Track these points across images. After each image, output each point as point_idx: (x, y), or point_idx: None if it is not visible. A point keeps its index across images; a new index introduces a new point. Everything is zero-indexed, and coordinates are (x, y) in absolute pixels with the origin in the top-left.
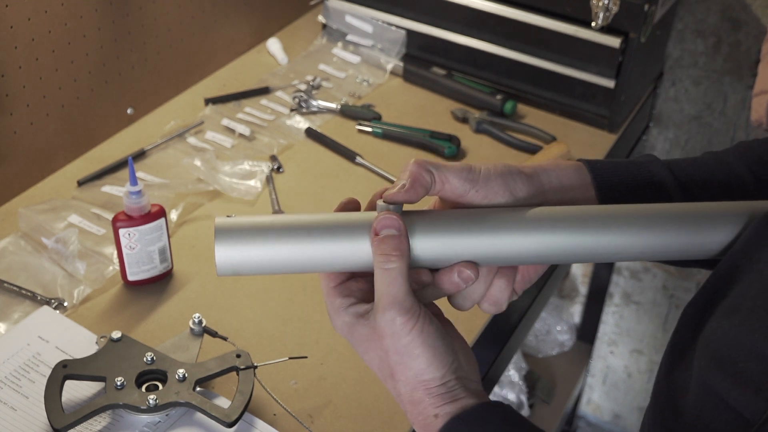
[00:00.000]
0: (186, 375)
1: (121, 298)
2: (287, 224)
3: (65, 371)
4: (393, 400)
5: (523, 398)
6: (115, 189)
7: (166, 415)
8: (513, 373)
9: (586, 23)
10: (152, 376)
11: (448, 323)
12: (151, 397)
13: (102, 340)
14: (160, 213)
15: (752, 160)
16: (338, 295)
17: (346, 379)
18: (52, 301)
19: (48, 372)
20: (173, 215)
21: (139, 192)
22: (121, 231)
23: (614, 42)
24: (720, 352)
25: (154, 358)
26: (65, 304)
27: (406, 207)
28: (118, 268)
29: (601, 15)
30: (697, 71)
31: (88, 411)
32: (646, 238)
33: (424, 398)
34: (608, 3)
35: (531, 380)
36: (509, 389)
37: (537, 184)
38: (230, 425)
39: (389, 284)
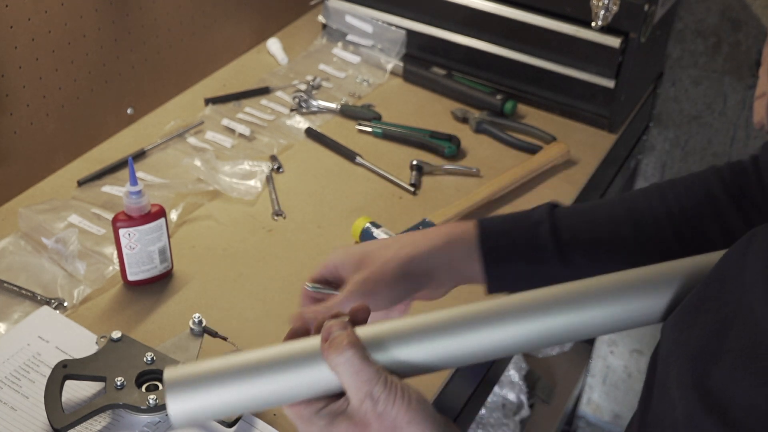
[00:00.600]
0: None
1: (121, 298)
2: (239, 366)
3: (65, 371)
4: None
5: (523, 398)
6: (115, 189)
7: (166, 415)
8: (513, 373)
9: (586, 23)
10: (152, 376)
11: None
12: (151, 397)
13: (102, 340)
14: (160, 213)
15: (669, 199)
16: (303, 407)
17: None
18: (52, 301)
19: (48, 372)
20: (173, 215)
21: (139, 192)
22: (121, 231)
23: (614, 42)
24: (710, 397)
25: (154, 358)
26: (65, 304)
27: None
28: (118, 268)
29: (601, 15)
30: (697, 71)
31: (88, 411)
32: (583, 317)
33: None
34: (608, 3)
35: (531, 380)
36: (509, 389)
37: (414, 283)
38: (231, 425)
39: (355, 373)
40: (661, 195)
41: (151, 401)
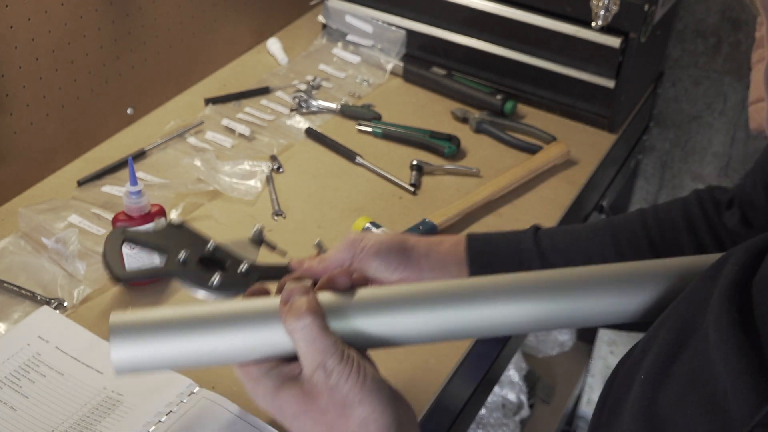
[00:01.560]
0: (249, 270)
1: (121, 298)
2: (191, 318)
3: (125, 234)
4: None
5: (523, 398)
6: (115, 189)
7: (224, 296)
8: (513, 373)
9: (586, 23)
10: (214, 264)
11: (393, 390)
12: (216, 277)
13: (160, 222)
14: (160, 213)
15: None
16: (254, 366)
17: None
18: (52, 301)
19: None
20: (173, 215)
21: (139, 192)
22: None
23: (614, 42)
24: (655, 421)
25: (216, 248)
26: (65, 304)
27: None
28: None
29: (601, 15)
30: (697, 71)
31: (151, 272)
32: (568, 304)
33: None
34: (608, 3)
35: (531, 380)
36: (509, 389)
37: (414, 264)
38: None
39: (311, 341)
40: (641, 212)
41: (215, 281)
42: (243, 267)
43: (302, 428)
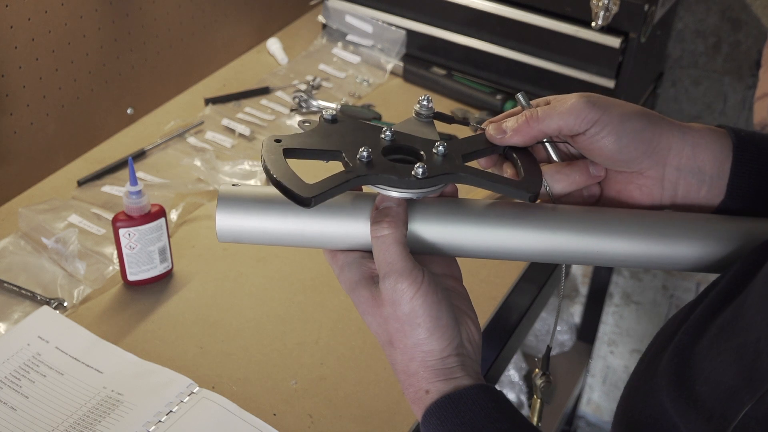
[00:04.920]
0: (447, 150)
1: (121, 298)
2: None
3: (282, 145)
4: (393, 400)
5: (523, 398)
6: (115, 189)
7: (436, 189)
8: (513, 373)
9: (586, 23)
10: (400, 155)
11: (463, 296)
12: (420, 168)
13: (307, 125)
14: (160, 213)
15: None
16: (340, 253)
17: (346, 379)
18: (52, 301)
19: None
20: (173, 215)
21: (139, 192)
22: (121, 231)
23: (614, 42)
24: (681, 371)
25: (396, 134)
26: (65, 304)
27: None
28: (118, 268)
29: (601, 15)
30: (697, 71)
31: (337, 182)
32: (635, 245)
33: (419, 370)
34: (608, 3)
35: (531, 380)
36: (509, 389)
37: (661, 155)
38: (535, 198)
39: (384, 251)
40: None
41: (420, 171)
42: (438, 148)
43: (370, 325)
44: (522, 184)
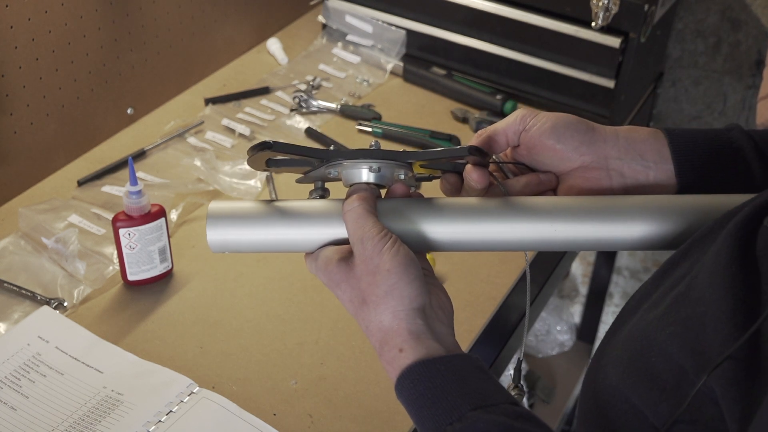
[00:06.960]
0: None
1: (121, 298)
2: (275, 211)
3: (270, 153)
4: (393, 400)
5: (524, 398)
6: (115, 189)
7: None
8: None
9: (586, 23)
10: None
11: (432, 276)
12: (372, 143)
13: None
14: (160, 213)
15: None
16: (317, 249)
17: (346, 379)
18: (52, 301)
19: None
20: (173, 215)
21: (139, 192)
22: (121, 231)
23: (614, 42)
24: (634, 346)
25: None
26: (65, 304)
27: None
28: (118, 268)
29: (601, 15)
30: (697, 71)
31: (359, 155)
32: (587, 227)
33: (392, 324)
34: (608, 3)
35: (531, 380)
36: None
37: (599, 144)
38: (475, 150)
39: (355, 220)
40: None
41: (373, 144)
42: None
43: (343, 295)
44: (464, 148)
